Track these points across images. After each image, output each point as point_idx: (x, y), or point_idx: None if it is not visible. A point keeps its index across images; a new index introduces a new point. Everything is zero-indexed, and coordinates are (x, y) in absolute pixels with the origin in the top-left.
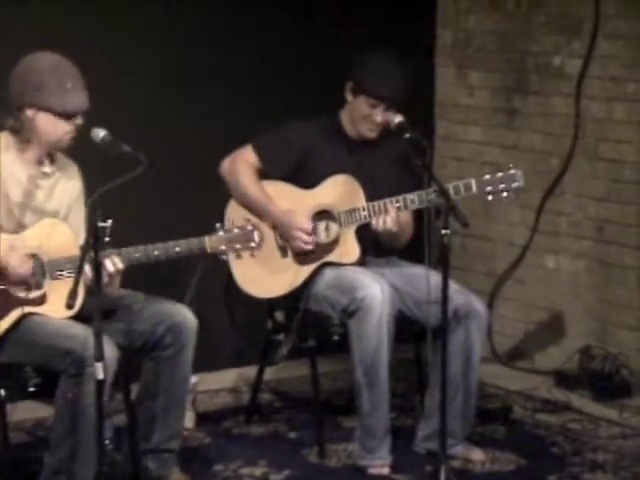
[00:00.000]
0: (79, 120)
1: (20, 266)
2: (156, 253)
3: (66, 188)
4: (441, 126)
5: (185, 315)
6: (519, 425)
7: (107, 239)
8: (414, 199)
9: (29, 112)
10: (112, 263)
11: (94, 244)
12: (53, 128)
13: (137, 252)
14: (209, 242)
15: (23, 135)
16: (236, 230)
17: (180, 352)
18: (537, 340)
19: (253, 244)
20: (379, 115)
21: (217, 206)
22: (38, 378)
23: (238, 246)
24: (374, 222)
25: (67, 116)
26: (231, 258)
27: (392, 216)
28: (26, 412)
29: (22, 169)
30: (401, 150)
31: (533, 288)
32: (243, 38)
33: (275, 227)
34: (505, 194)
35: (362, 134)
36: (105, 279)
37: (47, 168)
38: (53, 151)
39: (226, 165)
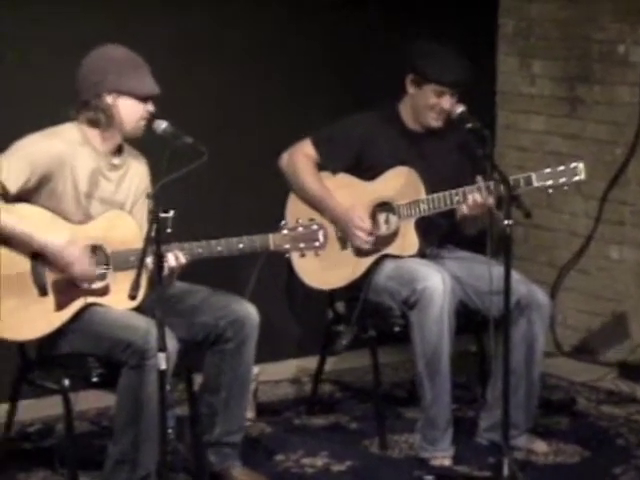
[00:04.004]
0: (151, 106)
1: (79, 261)
2: (219, 249)
3: (133, 180)
4: (503, 115)
5: (247, 309)
6: (583, 417)
7: (169, 230)
8: (474, 192)
9: (109, 98)
10: (175, 257)
11: (156, 235)
12: (132, 112)
13: (200, 247)
14: (273, 240)
15: (101, 125)
16: (301, 229)
17: (242, 346)
18: (601, 331)
19: (318, 244)
20: (447, 102)
21: (278, 199)
22: (101, 368)
23: (302, 245)
24: (470, 200)
25: (145, 98)
26: (294, 255)
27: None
28: (90, 402)
29: (92, 160)
30: (462, 140)
31: (597, 279)
32: (299, 32)
33: (334, 222)
34: (566, 188)
35: (427, 124)
36: (166, 272)
37: (116, 160)
38: (123, 143)
39: (285, 159)
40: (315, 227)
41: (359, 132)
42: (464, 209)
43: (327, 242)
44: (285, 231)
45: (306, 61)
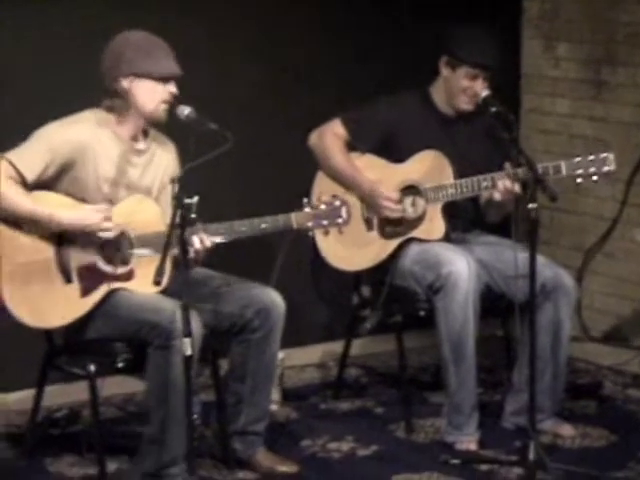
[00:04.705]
0: (173, 87)
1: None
2: (242, 229)
3: (160, 165)
4: (527, 99)
5: (273, 299)
6: (610, 401)
7: (193, 216)
8: (503, 177)
9: (125, 82)
10: (200, 240)
11: (181, 221)
12: (150, 95)
13: (223, 228)
14: (296, 218)
15: (118, 111)
16: (323, 206)
17: (268, 335)
18: (627, 315)
19: (340, 220)
20: (479, 86)
21: (304, 181)
22: (127, 353)
23: (325, 222)
24: (501, 186)
25: (163, 79)
26: (318, 234)
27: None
28: (116, 387)
29: (116, 146)
30: (489, 125)
31: (623, 262)
32: (326, 13)
33: (362, 198)
34: (595, 177)
35: (459, 107)
36: (191, 255)
37: (141, 145)
38: (148, 127)
39: (314, 137)
40: (338, 203)
41: (390, 113)
42: (496, 196)
43: (350, 219)
44: (307, 209)
45: (332, 41)
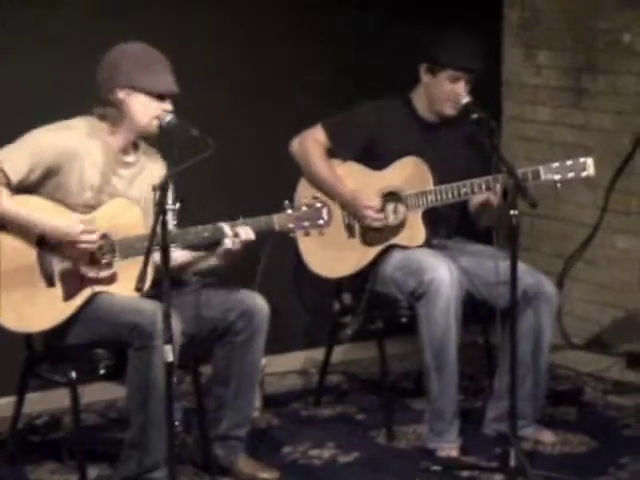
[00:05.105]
0: (168, 105)
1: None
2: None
3: (148, 178)
4: (508, 106)
5: (257, 302)
6: (590, 407)
7: (175, 222)
8: (481, 184)
9: (121, 94)
10: (245, 233)
11: (162, 227)
12: (144, 109)
13: (206, 231)
14: (278, 220)
15: (111, 120)
16: (304, 208)
17: (252, 338)
18: (608, 321)
19: (322, 222)
20: (461, 88)
21: (288, 187)
22: (108, 360)
23: (306, 224)
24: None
25: (159, 96)
26: (299, 237)
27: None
28: (97, 394)
29: (102, 154)
30: (470, 131)
31: (604, 269)
32: (310, 22)
33: (344, 206)
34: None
35: (442, 113)
36: (237, 246)
37: (130, 158)
38: (138, 140)
39: (295, 144)
40: (318, 205)
41: (371, 120)
42: (492, 198)
43: (331, 220)
44: (289, 211)
45: (317, 50)
